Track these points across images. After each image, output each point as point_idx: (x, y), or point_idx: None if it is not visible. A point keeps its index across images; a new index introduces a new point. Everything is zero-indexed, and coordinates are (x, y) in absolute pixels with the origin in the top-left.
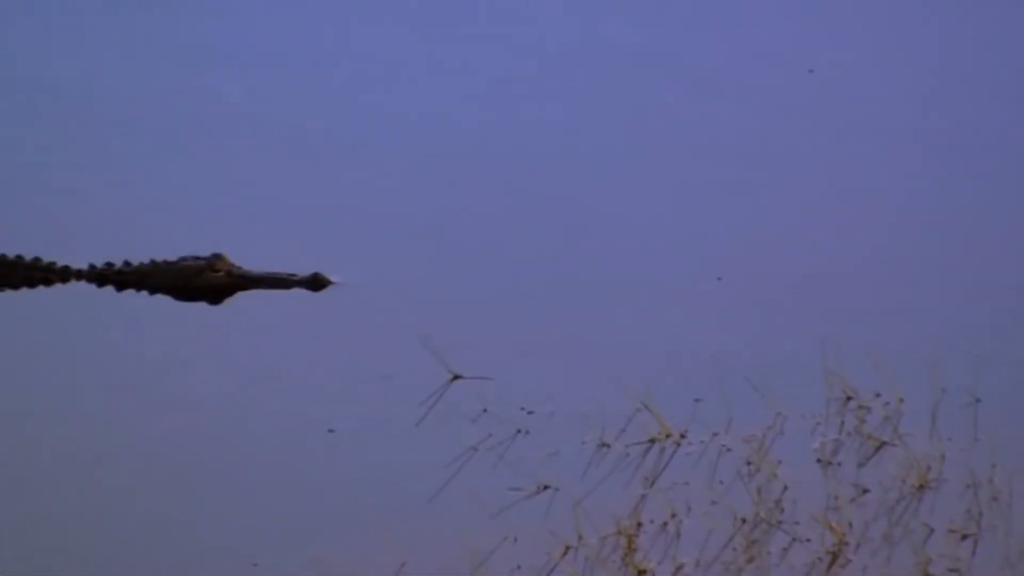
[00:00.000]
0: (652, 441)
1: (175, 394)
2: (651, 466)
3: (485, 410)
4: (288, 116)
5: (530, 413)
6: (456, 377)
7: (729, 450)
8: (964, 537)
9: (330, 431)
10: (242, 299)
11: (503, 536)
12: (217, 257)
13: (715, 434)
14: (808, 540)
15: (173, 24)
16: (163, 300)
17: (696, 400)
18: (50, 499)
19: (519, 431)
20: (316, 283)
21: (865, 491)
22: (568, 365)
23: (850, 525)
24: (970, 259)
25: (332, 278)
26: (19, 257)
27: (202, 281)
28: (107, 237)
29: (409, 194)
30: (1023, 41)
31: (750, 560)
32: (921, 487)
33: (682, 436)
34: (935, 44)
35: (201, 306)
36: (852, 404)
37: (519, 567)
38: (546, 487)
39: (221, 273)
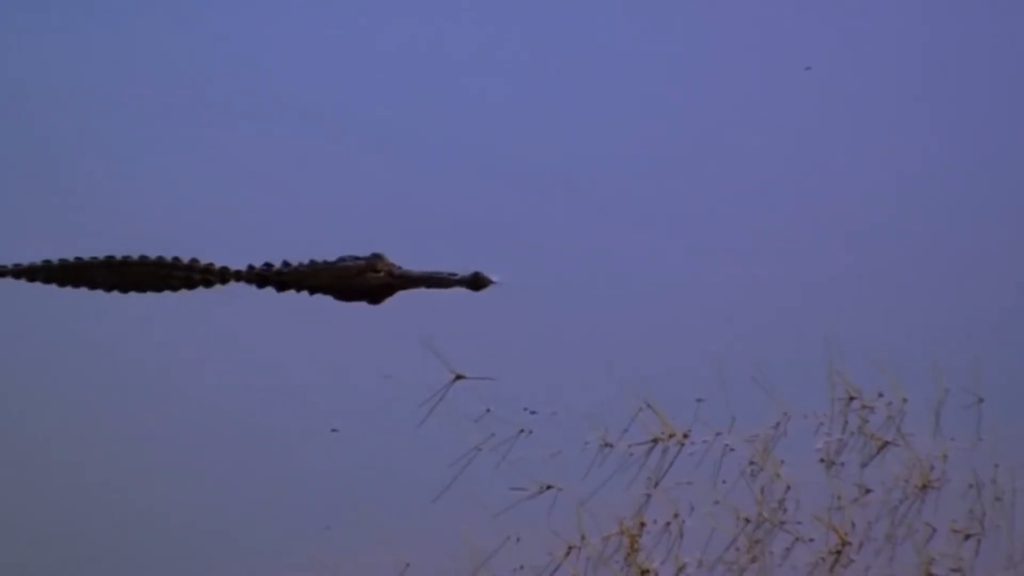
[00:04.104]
0: (655, 441)
1: (174, 394)
2: (654, 466)
3: (488, 410)
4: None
5: (533, 413)
6: (459, 377)
7: (732, 450)
8: (967, 537)
9: (333, 431)
10: (247, 301)
11: (506, 536)
12: (377, 257)
13: (718, 434)
14: (811, 540)
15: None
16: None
17: (699, 400)
18: (44, 495)
19: (522, 431)
20: (476, 282)
21: (868, 491)
22: (571, 365)
23: (853, 525)
24: (973, 259)
25: (493, 277)
26: (176, 259)
27: (363, 281)
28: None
29: (409, 194)
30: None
31: (753, 560)
32: (924, 487)
33: (685, 436)
34: (936, 40)
35: (203, 306)
36: (855, 404)
37: (522, 567)
38: (549, 487)
39: (381, 273)
